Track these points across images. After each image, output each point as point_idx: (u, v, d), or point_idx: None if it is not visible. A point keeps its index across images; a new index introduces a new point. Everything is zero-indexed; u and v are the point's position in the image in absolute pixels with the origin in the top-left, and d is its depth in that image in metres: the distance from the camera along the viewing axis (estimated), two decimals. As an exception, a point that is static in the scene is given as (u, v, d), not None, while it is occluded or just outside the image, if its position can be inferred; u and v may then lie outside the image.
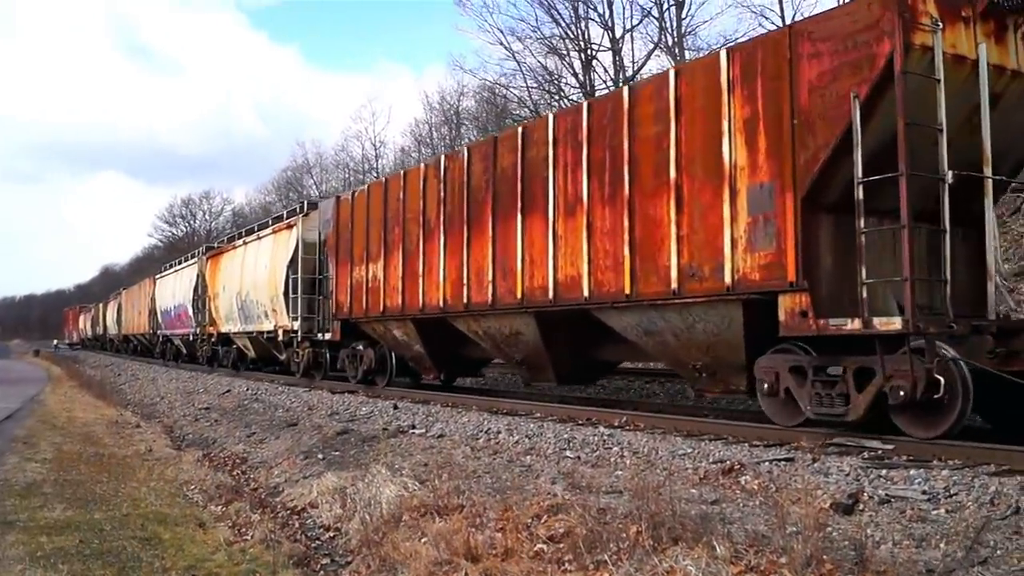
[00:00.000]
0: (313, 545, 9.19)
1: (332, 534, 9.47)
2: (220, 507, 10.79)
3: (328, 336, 22.72)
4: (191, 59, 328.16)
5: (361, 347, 21.31)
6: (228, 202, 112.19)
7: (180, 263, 44.08)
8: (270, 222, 29.95)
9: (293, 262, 24.96)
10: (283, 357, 27.14)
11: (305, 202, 26.99)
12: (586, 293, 13.16)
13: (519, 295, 14.62)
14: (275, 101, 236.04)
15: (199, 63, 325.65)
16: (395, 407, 16.77)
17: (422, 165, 18.63)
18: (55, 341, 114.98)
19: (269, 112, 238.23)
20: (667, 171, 11.76)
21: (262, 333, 27.80)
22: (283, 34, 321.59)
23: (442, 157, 17.74)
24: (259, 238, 29.24)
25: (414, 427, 14.30)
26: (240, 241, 32.01)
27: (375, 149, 72.10)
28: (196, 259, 38.97)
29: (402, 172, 19.36)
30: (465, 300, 16.10)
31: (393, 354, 20.34)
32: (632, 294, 12.33)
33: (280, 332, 26.05)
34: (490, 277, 15.37)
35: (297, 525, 10.05)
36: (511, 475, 9.98)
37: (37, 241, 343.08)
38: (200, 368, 37.02)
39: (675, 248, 11.61)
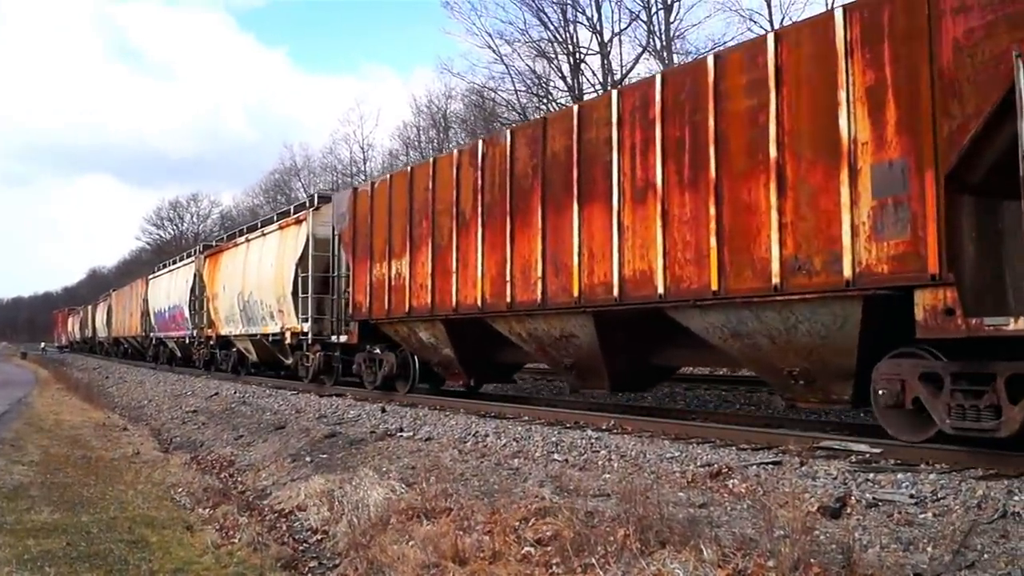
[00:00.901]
0: (301, 548, 9.16)
1: (320, 537, 9.45)
2: (208, 510, 10.77)
3: (343, 339, 21.09)
4: (180, 62, 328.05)
5: (379, 351, 19.84)
6: (216, 205, 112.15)
7: (175, 262, 42.46)
8: (275, 217, 27.91)
9: (303, 260, 23.25)
10: (289, 361, 25.52)
11: (316, 195, 24.87)
12: (660, 290, 11.66)
13: (575, 293, 13.13)
14: (263, 104, 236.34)
15: (188, 66, 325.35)
16: (383, 410, 16.75)
17: (455, 152, 16.99)
18: (42, 344, 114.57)
19: (257, 115, 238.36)
20: (765, 150, 10.28)
21: (267, 336, 26.17)
22: (271, 36, 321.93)
23: (480, 142, 16.01)
24: (264, 234, 27.37)
25: (402, 430, 14.27)
26: (242, 238, 30.05)
27: (363, 152, 72.18)
28: (193, 258, 37.21)
29: (431, 160, 17.73)
30: (508, 299, 14.60)
31: (416, 358, 19.01)
32: (720, 290, 10.85)
33: (287, 334, 24.23)
34: (539, 273, 13.91)
35: (285, 528, 10.03)
36: (499, 478, 9.98)
37: (25, 243, 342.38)
38: (195, 372, 36.25)
39: (776, 237, 10.13)
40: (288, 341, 24.32)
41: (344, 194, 21.37)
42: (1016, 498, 7.11)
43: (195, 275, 35.40)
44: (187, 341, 37.63)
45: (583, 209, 13.10)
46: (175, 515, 10.54)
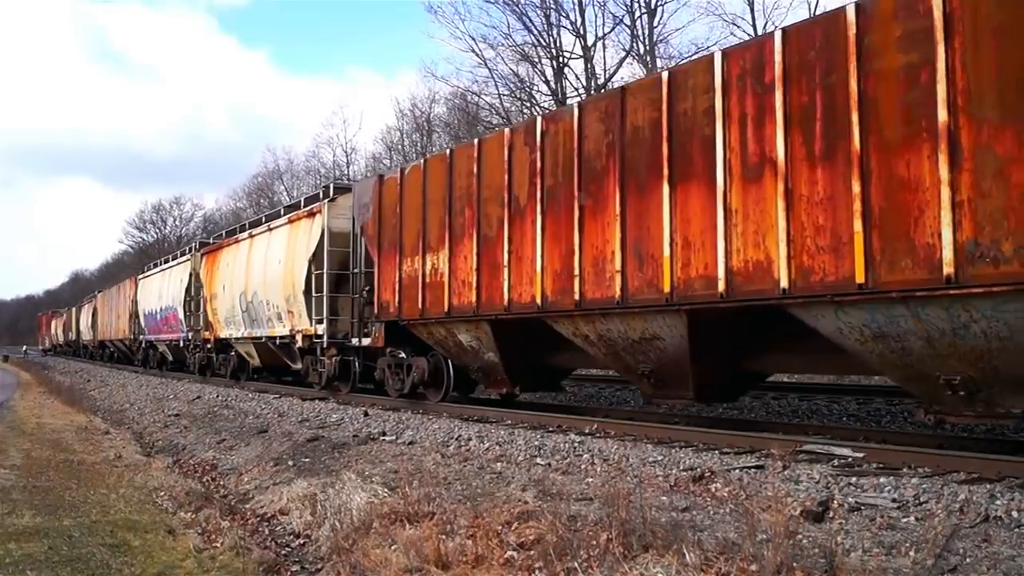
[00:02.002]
0: (283, 552, 9.12)
1: (302, 541, 9.42)
2: (190, 514, 10.70)
3: (366, 342, 19.29)
4: (162, 63, 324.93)
5: (404, 354, 18.17)
6: (199, 208, 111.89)
7: (167, 261, 40.30)
8: (282, 211, 26.08)
9: (317, 255, 21.30)
10: (298, 366, 23.63)
11: (331, 185, 22.61)
12: (783, 283, 9.95)
13: (665, 288, 11.45)
14: (246, 106, 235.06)
15: (170, 68, 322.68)
16: (365, 414, 16.75)
17: (506, 131, 15.02)
18: (24, 347, 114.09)
19: (240, 117, 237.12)
20: (931, 115, 8.64)
21: (273, 338, 24.29)
22: (252, 38, 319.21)
23: (538, 119, 14.25)
24: (270, 229, 25.38)
25: (384, 434, 14.25)
26: (244, 234, 27.89)
27: (346, 156, 72.24)
28: (188, 256, 34.97)
29: (475, 141, 15.81)
30: (576, 296, 12.95)
31: (450, 364, 17.26)
32: (868, 283, 9.16)
33: (298, 337, 22.31)
34: (617, 266, 12.21)
35: (267, 532, 9.98)
36: (482, 482, 9.96)
37: (6, 246, 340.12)
38: (188, 377, 35.05)
39: (948, 219, 8.48)
40: (299, 344, 22.46)
41: (368, 182, 19.66)
42: (998, 502, 7.15)
43: (191, 274, 33.61)
44: (181, 344, 35.72)
45: (675, 191, 11.44)
46: (157, 519, 10.47)
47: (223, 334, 29.16)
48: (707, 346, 11.84)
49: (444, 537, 7.62)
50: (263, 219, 27.50)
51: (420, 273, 16.78)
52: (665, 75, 11.82)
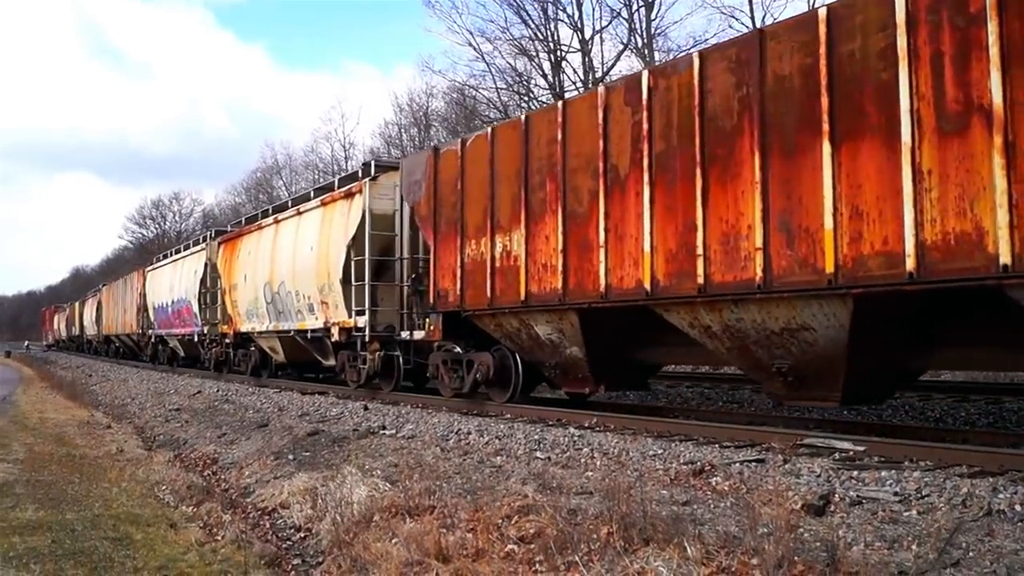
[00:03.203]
0: (284, 545, 9.13)
1: (303, 535, 9.42)
2: (191, 507, 10.73)
3: (419, 335, 17.41)
4: (159, 59, 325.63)
5: (460, 349, 16.25)
6: (198, 203, 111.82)
7: (178, 251, 38.10)
8: (312, 193, 23.70)
9: (357, 240, 19.06)
10: (330, 363, 21.91)
11: (372, 162, 20.48)
12: (1004, 259, 8.08)
13: (827, 268, 9.56)
14: (243, 101, 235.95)
15: (168, 63, 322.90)
16: (365, 408, 16.75)
17: (600, 89, 13.00)
18: (26, 342, 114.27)
19: (238, 112, 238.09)
20: None
21: (303, 332, 22.17)
22: (249, 33, 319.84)
23: (644, 74, 12.19)
24: (300, 213, 23.10)
25: (384, 428, 14.24)
26: (269, 219, 25.64)
27: (344, 151, 72.16)
28: (203, 245, 32.53)
29: (558, 104, 13.93)
30: (699, 280, 11.04)
31: (519, 359, 15.32)
32: None
33: (334, 330, 20.10)
34: (756, 243, 10.31)
35: (268, 525, 9.99)
36: (482, 476, 9.96)
37: (7, 242, 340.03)
38: (183, 371, 35.09)
39: None
40: (336, 338, 20.17)
41: (419, 157, 17.76)
42: (1001, 495, 7.13)
43: (206, 264, 31.35)
44: (195, 339, 33.28)
45: (839, 151, 9.53)
46: (159, 513, 10.49)
47: (244, 328, 27.17)
48: (870, 338, 10.08)
49: (445, 531, 7.63)
50: (289, 203, 25.53)
51: (488, 257, 14.82)
52: (823, 12, 9.74)
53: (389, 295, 18.99)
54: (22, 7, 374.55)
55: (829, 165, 9.57)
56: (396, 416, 15.34)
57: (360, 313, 19.00)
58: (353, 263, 19.15)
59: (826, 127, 9.60)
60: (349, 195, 20.05)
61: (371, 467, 10.99)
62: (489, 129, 15.27)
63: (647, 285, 11.79)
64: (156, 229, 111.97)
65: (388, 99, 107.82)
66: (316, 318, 21.34)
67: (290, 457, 13.03)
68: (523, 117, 14.50)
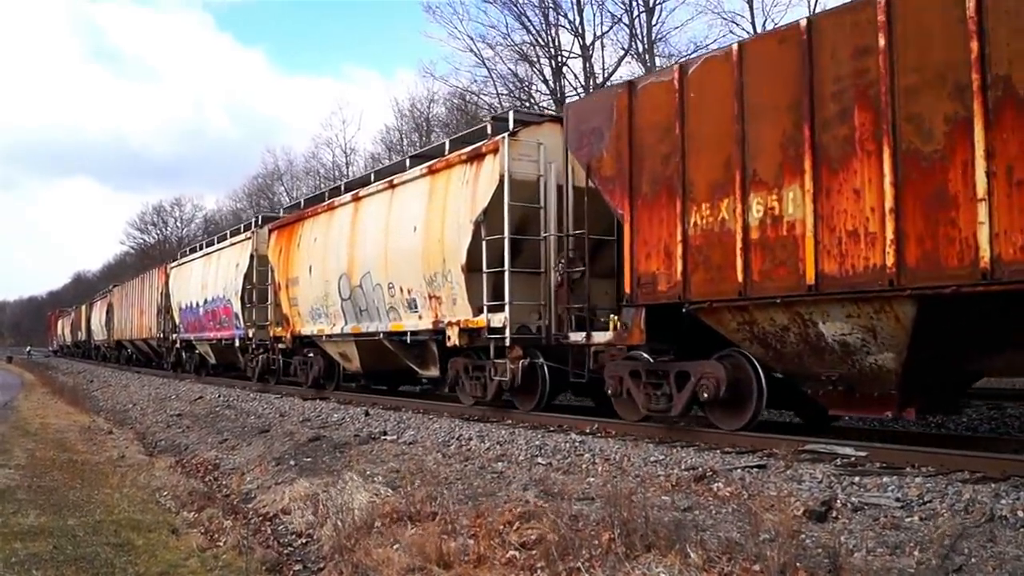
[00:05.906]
0: (285, 551, 9.12)
1: (304, 540, 9.41)
2: (193, 513, 10.72)
3: (605, 337, 12.91)
4: (159, 62, 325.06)
5: (670, 359, 12.05)
6: (199, 209, 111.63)
7: (212, 244, 32.96)
8: (407, 162, 18.87)
9: (489, 216, 14.77)
10: (431, 372, 17.92)
11: (511, 114, 15.78)
12: None
13: None
14: (244, 105, 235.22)
15: (167, 66, 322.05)
16: (366, 413, 16.75)
17: None
18: (28, 348, 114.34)
19: (238, 116, 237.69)
20: None
21: (396, 334, 17.94)
22: (249, 36, 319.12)
23: None
24: (392, 186, 18.40)
25: (386, 434, 14.24)
26: (346, 196, 20.90)
27: (345, 156, 72.11)
28: (247, 234, 28.11)
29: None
30: None
31: (761, 370, 11.08)
32: None
33: (452, 332, 15.67)
34: None
35: (269, 531, 9.98)
36: (483, 482, 9.96)
37: (8, 247, 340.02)
38: (185, 376, 34.21)
39: None
40: (454, 342, 15.68)
41: (601, 96, 14.06)
42: (1003, 501, 7.13)
43: (252, 256, 27.14)
44: (236, 344, 28.50)
45: None
46: (160, 518, 10.49)
47: (306, 330, 22.55)
48: None
49: (446, 537, 7.62)
50: (372, 176, 20.49)
51: (737, 227, 10.59)
52: None
53: (525, 286, 14.78)
54: (18, 8, 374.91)
55: None
56: (397, 422, 15.35)
57: (495, 309, 14.80)
58: (484, 244, 14.78)
59: None
60: (476, 157, 15.56)
61: (372, 473, 10.99)
62: (734, 46, 10.97)
63: None
64: (158, 235, 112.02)
65: (389, 104, 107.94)
66: (420, 317, 17.13)
67: (291, 463, 13.02)
68: (803, 22, 10.03)
